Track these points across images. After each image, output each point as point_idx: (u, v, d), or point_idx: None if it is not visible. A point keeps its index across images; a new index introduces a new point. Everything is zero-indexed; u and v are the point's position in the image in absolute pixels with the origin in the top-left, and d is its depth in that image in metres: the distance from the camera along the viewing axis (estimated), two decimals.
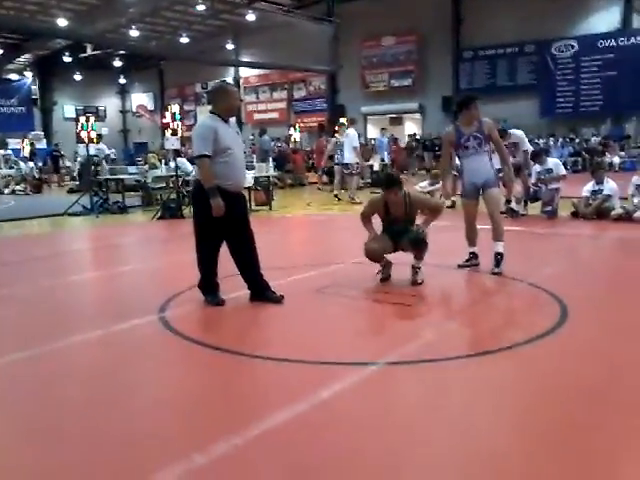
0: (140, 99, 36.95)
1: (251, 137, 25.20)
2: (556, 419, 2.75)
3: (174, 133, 11.73)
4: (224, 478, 2.37)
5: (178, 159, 12.28)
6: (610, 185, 9.13)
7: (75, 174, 21.68)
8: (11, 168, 21.17)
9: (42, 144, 28.82)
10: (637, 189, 8.88)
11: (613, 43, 21.46)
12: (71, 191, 18.14)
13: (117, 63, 32.55)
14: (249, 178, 10.92)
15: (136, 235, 10.08)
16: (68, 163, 25.78)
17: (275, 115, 30.79)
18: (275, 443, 2.57)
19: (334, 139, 14.43)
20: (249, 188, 11.41)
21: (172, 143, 11.87)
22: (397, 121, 27.99)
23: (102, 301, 5.55)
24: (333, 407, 2.92)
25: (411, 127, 27.44)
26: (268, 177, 13.15)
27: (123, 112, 37.65)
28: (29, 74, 33.57)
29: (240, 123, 28.94)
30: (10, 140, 26.08)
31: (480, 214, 5.91)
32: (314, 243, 8.91)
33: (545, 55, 22.77)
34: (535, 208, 9.82)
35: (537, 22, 21.88)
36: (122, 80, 36.19)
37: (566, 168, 11.84)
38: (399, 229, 5.36)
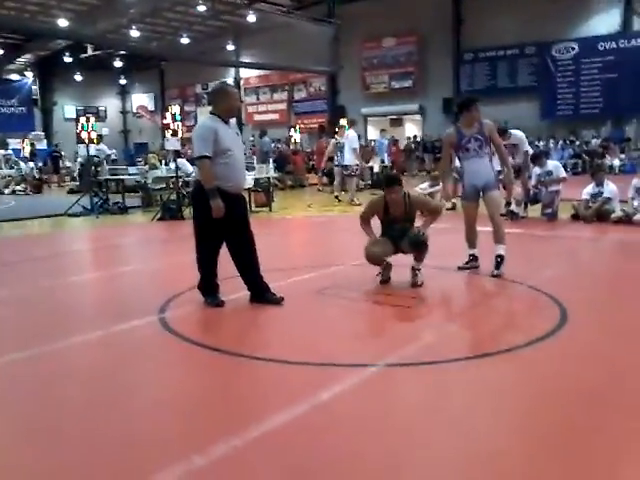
0: (140, 100, 36.96)
1: (251, 138, 25.22)
2: (556, 422, 2.75)
3: (174, 134, 11.74)
4: (223, 479, 2.37)
5: (178, 160, 12.28)
6: (610, 188, 9.13)
7: (75, 174, 21.69)
8: (11, 168, 21.18)
9: (42, 144, 28.86)
10: (637, 192, 8.88)
11: (613, 45, 21.48)
12: (71, 192, 18.15)
13: (118, 63, 32.56)
14: (249, 179, 10.92)
15: (136, 236, 10.08)
16: (68, 163, 25.81)
17: (275, 116, 30.79)
18: (274, 445, 2.57)
19: (334, 140, 14.43)
20: (249, 189, 11.42)
21: (172, 144, 11.88)
22: (397, 122, 28.00)
23: (102, 302, 5.55)
24: (333, 409, 2.92)
25: (411, 129, 27.45)
26: (268, 178, 13.15)
27: (123, 113, 37.66)
28: (30, 74, 33.59)
29: (240, 124, 28.97)
30: (10, 140, 26.09)
31: (480, 216, 5.91)
32: (314, 245, 8.91)
33: (545, 57, 22.78)
34: (535, 210, 9.82)
35: (538, 24, 21.89)
36: (123, 81, 36.20)
37: (566, 170, 11.84)
38: (399, 229, 5.35)
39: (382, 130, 23.24)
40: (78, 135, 13.11)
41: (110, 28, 25.27)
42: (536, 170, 9.70)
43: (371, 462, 2.43)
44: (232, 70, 31.84)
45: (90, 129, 13.03)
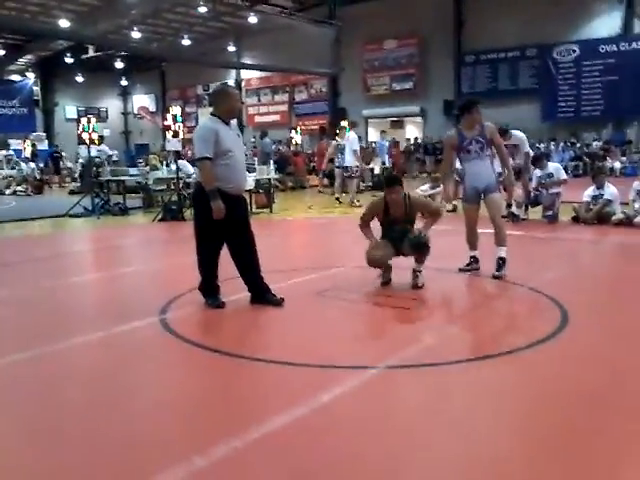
0: (142, 100, 36.99)
1: (252, 140, 25.23)
2: (557, 424, 2.75)
3: (175, 135, 11.74)
4: None
5: (179, 161, 12.30)
6: (611, 190, 9.13)
7: (76, 175, 21.71)
8: (12, 169, 21.20)
9: (44, 145, 28.87)
10: (638, 194, 8.88)
11: (614, 48, 21.47)
12: (72, 192, 18.16)
13: (119, 64, 32.58)
14: (250, 181, 10.93)
15: (137, 237, 10.08)
16: (69, 164, 25.82)
17: (276, 118, 30.81)
18: (275, 446, 2.57)
19: (335, 142, 14.44)
20: (250, 191, 11.42)
21: (173, 145, 11.89)
22: (398, 124, 28.00)
23: (103, 303, 5.55)
24: (333, 411, 2.92)
25: (412, 130, 27.46)
26: (269, 180, 13.16)
27: (124, 113, 37.70)
28: (31, 75, 33.61)
29: (241, 125, 28.99)
30: (12, 141, 26.12)
31: (481, 218, 5.91)
32: (315, 246, 8.92)
33: (547, 59, 22.78)
34: (536, 213, 9.82)
35: (539, 26, 21.90)
36: (124, 81, 36.23)
37: (567, 173, 11.84)
38: (399, 231, 5.35)
39: (382, 132, 23.26)
40: (79, 136, 13.13)
41: (111, 29, 25.32)
42: (537, 172, 9.71)
43: (371, 464, 2.43)
44: (233, 71, 31.87)
45: (91, 130, 13.03)
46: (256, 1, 23.33)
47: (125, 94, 37.47)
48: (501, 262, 5.62)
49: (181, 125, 11.95)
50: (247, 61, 28.74)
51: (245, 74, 31.72)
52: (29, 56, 32.30)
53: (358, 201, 13.03)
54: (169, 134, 11.78)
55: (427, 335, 4.08)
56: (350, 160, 13.61)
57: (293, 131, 22.84)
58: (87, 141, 12.99)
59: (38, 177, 21.76)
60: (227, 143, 4.62)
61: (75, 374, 3.62)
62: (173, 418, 2.96)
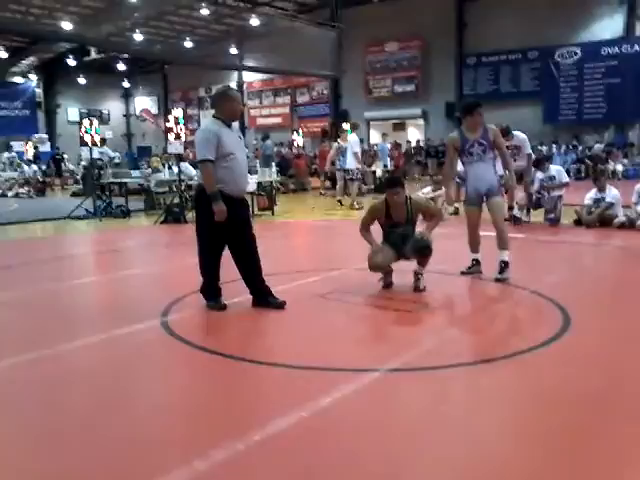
0: (144, 103, 37.05)
1: (254, 142, 25.25)
2: (558, 427, 2.74)
3: (177, 137, 11.75)
4: None
5: (181, 163, 12.30)
6: (613, 193, 9.12)
7: (78, 177, 21.74)
8: (15, 171, 21.23)
9: (46, 147, 28.91)
10: None
11: (616, 50, 21.47)
12: (74, 195, 18.18)
13: (121, 67, 32.65)
14: (252, 183, 10.94)
15: (139, 239, 10.09)
16: (71, 166, 25.86)
17: (278, 120, 30.83)
18: (276, 449, 2.57)
19: (336, 144, 14.44)
20: (252, 193, 11.43)
21: (175, 147, 11.89)
22: (400, 127, 28.02)
23: (104, 305, 5.55)
24: (334, 414, 2.92)
25: (414, 133, 27.47)
26: (271, 182, 13.17)
27: (127, 116, 37.76)
28: (33, 77, 33.66)
29: (243, 128, 29.01)
30: (14, 143, 26.16)
31: (483, 221, 5.90)
32: (316, 249, 8.92)
33: (548, 62, 22.78)
34: (538, 215, 9.81)
35: (541, 29, 21.90)
36: (126, 84, 36.29)
37: (569, 175, 11.83)
38: (401, 234, 5.34)
39: (384, 134, 23.26)
40: (81, 138, 13.13)
41: (114, 31, 25.33)
42: (539, 175, 9.69)
43: (372, 467, 2.43)
44: (235, 74, 31.90)
45: (93, 132, 13.04)
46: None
47: (127, 96, 37.54)
48: (503, 265, 5.61)
49: (183, 127, 11.96)
50: (249, 63, 28.71)
51: (247, 76, 31.75)
52: (32, 58, 32.33)
53: (358, 204, 13.04)
54: (171, 136, 11.78)
55: (428, 338, 4.08)
56: (351, 162, 13.61)
57: (295, 133, 22.85)
58: (89, 143, 13.00)
59: (40, 179, 21.81)
60: (229, 145, 4.63)
61: (76, 376, 3.62)
62: (174, 421, 2.96)
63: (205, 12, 24.47)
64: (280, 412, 2.87)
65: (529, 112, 22.60)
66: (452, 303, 5.33)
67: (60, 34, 22.21)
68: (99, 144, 13.89)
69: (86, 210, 12.50)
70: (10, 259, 7.82)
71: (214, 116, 4.77)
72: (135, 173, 14.82)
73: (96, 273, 7.31)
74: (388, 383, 3.32)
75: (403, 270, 5.41)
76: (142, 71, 34.10)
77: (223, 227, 4.61)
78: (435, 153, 23.82)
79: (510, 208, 9.12)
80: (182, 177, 11.78)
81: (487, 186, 5.70)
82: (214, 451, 2.52)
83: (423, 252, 5.23)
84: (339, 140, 14.43)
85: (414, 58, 25.89)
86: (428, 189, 11.93)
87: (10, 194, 19.90)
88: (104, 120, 32.44)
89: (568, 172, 13.41)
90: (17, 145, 26.28)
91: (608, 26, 21.70)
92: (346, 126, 15.70)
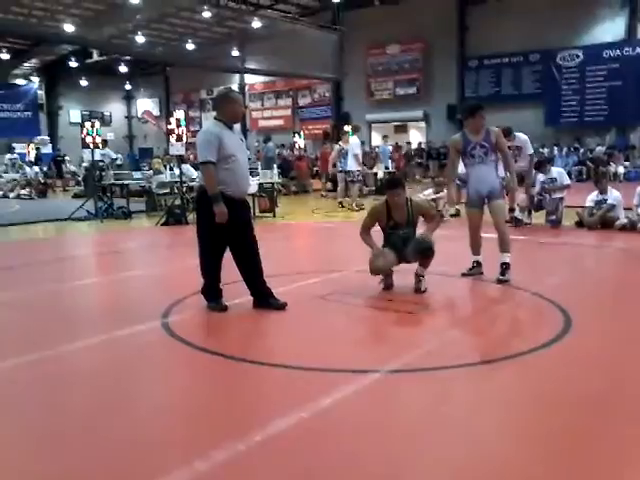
0: (145, 105, 37.12)
1: (256, 144, 25.27)
2: (559, 429, 2.74)
3: (179, 139, 11.76)
4: None
5: (183, 165, 12.31)
6: (614, 195, 9.12)
7: (80, 179, 21.76)
8: (17, 172, 21.26)
9: (48, 149, 28.93)
10: None
11: (618, 53, 21.47)
12: (76, 196, 18.20)
13: (123, 69, 32.72)
14: (253, 185, 10.94)
15: (140, 240, 10.10)
16: (73, 168, 25.88)
17: (280, 122, 30.88)
18: (277, 450, 2.57)
19: (338, 146, 14.45)
20: (253, 195, 11.44)
21: (177, 149, 11.90)
22: (402, 129, 28.03)
23: (106, 306, 5.56)
24: (335, 415, 2.92)
25: (416, 135, 27.48)
26: (272, 184, 13.18)
27: (128, 117, 37.83)
28: (36, 79, 33.75)
29: (244, 130, 29.03)
30: (16, 144, 26.18)
31: (484, 222, 5.90)
32: (317, 250, 8.92)
33: (550, 64, 22.79)
34: (539, 217, 9.81)
35: (542, 31, 21.91)
36: (128, 86, 36.37)
37: (570, 177, 11.83)
38: (402, 235, 5.34)
39: (384, 137, 23.27)
40: (83, 139, 13.14)
41: (116, 33, 25.37)
42: (540, 177, 9.70)
43: (373, 468, 2.43)
44: (237, 76, 31.94)
45: (95, 134, 13.05)
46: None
47: (129, 98, 37.62)
48: (505, 267, 5.61)
49: (185, 129, 11.96)
50: (251, 66, 28.74)
51: (249, 79, 31.79)
52: (34, 60, 32.42)
53: (359, 205, 13.04)
54: (173, 138, 11.79)
55: (429, 339, 4.08)
56: (352, 164, 13.62)
57: (296, 135, 22.88)
58: (91, 145, 13.01)
59: (42, 181, 21.82)
60: (230, 147, 4.64)
61: (78, 377, 3.62)
62: (175, 421, 2.96)
63: (207, 15, 24.51)
64: (281, 413, 2.87)
65: (531, 115, 22.60)
66: (453, 304, 5.33)
67: (62, 36, 22.25)
68: (101, 146, 13.91)
69: (87, 211, 12.51)
70: (12, 260, 7.83)
71: (216, 118, 4.77)
72: (136, 175, 14.83)
73: (97, 274, 7.32)
74: (388, 384, 3.32)
75: (404, 271, 5.41)
76: (144, 73, 34.16)
77: (224, 229, 4.61)
78: (437, 155, 23.83)
79: (511, 210, 9.11)
80: (183, 179, 11.79)
81: (489, 188, 5.70)
82: (215, 452, 2.52)
83: (425, 253, 5.23)
84: (340, 142, 14.43)
85: (416, 60, 25.92)
86: (429, 191, 11.94)
87: (12, 195, 19.92)
88: (106, 122, 32.56)
89: (570, 174, 13.41)
90: (19, 147, 26.30)
91: (610, 29, 21.71)
92: (347, 128, 15.71)
